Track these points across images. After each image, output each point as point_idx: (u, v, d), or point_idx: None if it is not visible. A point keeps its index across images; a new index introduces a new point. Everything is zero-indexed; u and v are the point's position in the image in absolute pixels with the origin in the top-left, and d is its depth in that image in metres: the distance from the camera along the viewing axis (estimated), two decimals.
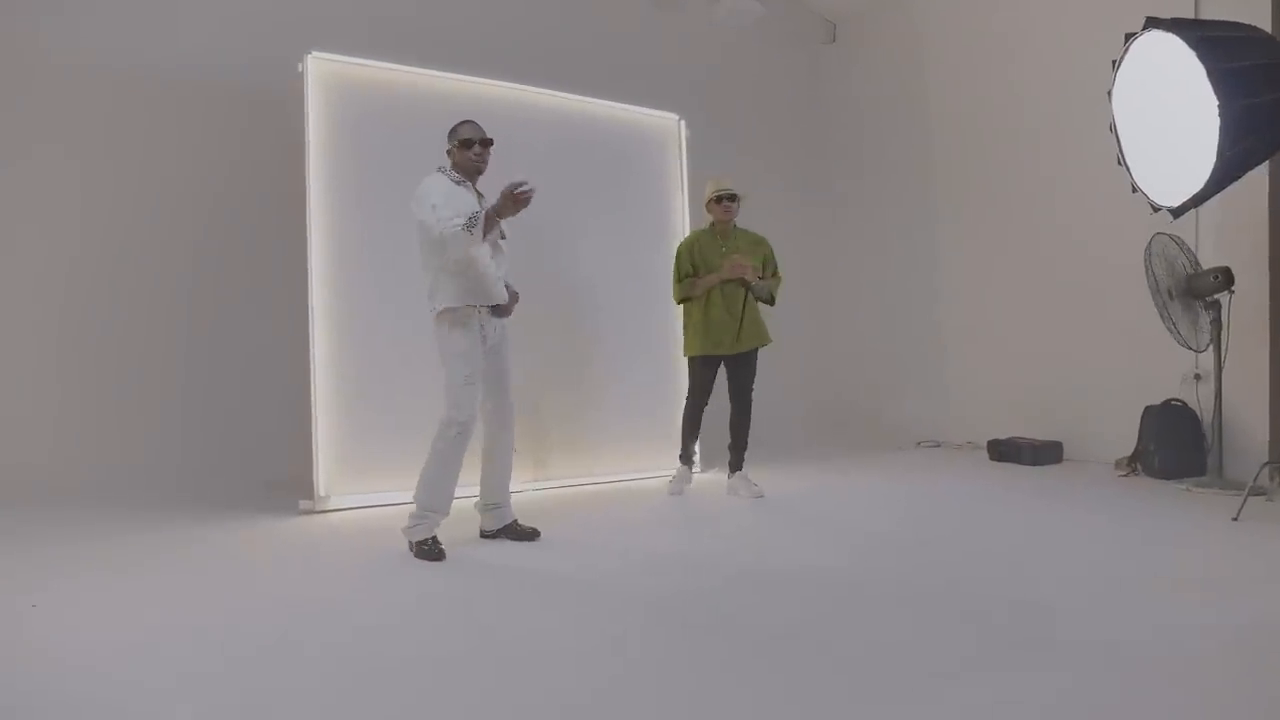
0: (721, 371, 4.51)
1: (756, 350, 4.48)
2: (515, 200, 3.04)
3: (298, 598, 2.69)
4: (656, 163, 5.30)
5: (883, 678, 1.91)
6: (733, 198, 4.45)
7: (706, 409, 4.55)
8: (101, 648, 2.20)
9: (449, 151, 3.38)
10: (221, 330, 5.06)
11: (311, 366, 4.15)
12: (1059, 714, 1.69)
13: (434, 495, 3.21)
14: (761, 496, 4.31)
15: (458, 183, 3.31)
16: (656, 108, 5.41)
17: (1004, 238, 6.01)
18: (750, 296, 4.41)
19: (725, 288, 4.37)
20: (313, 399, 4.13)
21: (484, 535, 3.50)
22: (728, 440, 4.52)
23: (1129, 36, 3.83)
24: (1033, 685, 1.84)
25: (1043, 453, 5.28)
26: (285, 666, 2.07)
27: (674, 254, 4.60)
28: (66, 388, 4.73)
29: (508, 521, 3.49)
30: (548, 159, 4.84)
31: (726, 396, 4.52)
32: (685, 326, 4.54)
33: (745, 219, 4.58)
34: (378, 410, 4.28)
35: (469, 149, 3.31)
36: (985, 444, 5.66)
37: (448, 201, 3.14)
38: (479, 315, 3.27)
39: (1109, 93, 4.03)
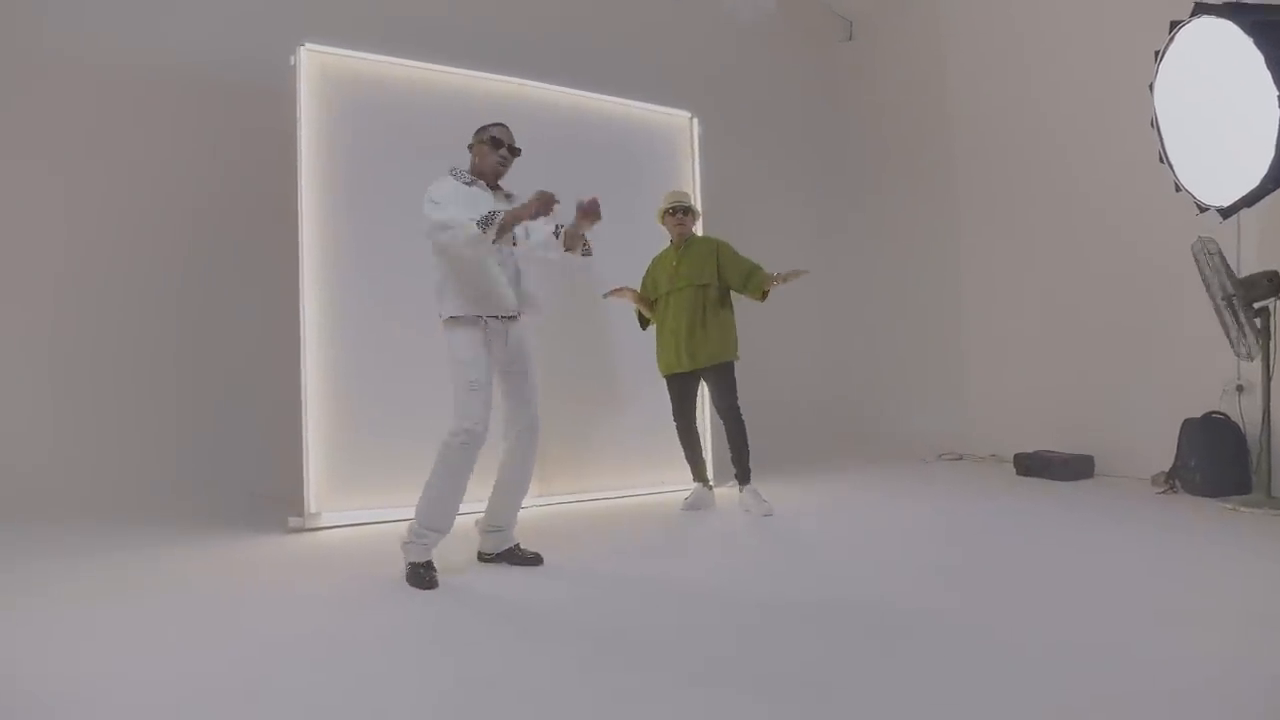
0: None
1: (727, 364, 4.27)
2: (546, 207, 2.84)
3: (271, 635, 2.45)
4: (668, 161, 5.08)
5: None
6: (686, 210, 4.33)
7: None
8: (65, 675, 1.99)
9: (471, 146, 3.17)
10: (212, 336, 4.87)
11: (302, 377, 3.94)
12: None
13: (435, 511, 2.96)
14: (770, 514, 4.07)
15: (468, 184, 3.09)
16: (669, 105, 5.19)
17: (1029, 241, 5.75)
18: (707, 311, 4.24)
19: (675, 303, 4.25)
20: (303, 411, 3.92)
21: (482, 559, 3.25)
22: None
23: (1174, 24, 3.59)
24: None
25: (1073, 467, 5.00)
26: (249, 713, 1.83)
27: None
28: (53, 397, 4.56)
29: (509, 545, 3.23)
30: (555, 157, 4.62)
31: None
32: None
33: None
34: (372, 423, 4.06)
35: (497, 149, 3.11)
36: (1011, 457, 5.40)
37: (454, 200, 2.95)
38: (485, 323, 3.03)
39: (1150, 86, 3.79)
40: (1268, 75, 3.04)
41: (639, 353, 4.63)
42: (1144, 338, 4.96)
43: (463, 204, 2.95)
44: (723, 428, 4.28)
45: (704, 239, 4.43)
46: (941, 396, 6.47)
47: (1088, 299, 5.34)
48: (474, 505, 3.15)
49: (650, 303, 4.42)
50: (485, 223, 2.80)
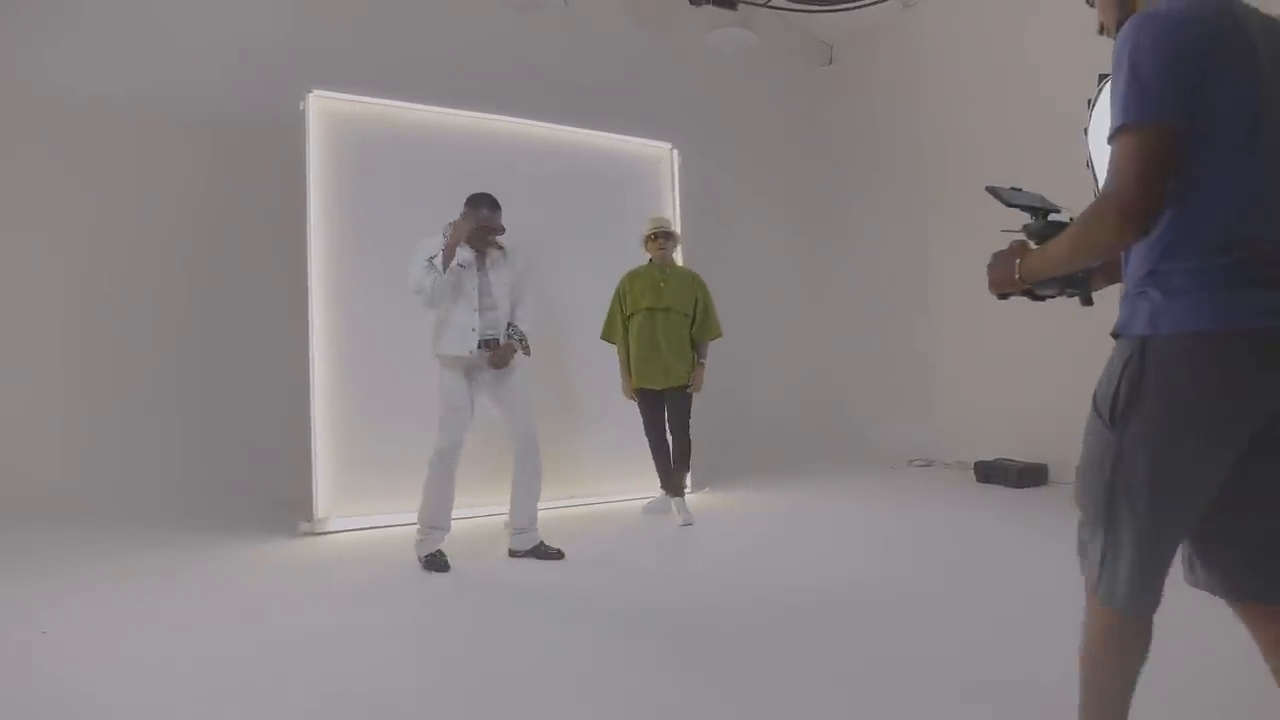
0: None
1: (685, 388, 4.61)
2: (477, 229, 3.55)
3: (290, 625, 2.86)
4: (650, 192, 5.44)
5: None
6: (668, 235, 4.65)
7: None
8: (96, 676, 2.38)
9: (465, 215, 3.64)
10: (225, 351, 5.26)
11: (311, 390, 4.33)
12: None
13: (426, 512, 3.56)
14: (690, 524, 4.41)
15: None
16: (654, 136, 5.56)
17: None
18: (684, 337, 4.58)
19: (660, 322, 4.54)
20: (312, 423, 4.31)
21: (512, 554, 3.76)
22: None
23: (1102, 77, 3.95)
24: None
25: (1027, 475, 5.37)
26: (269, 698, 2.23)
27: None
28: (72, 406, 4.95)
29: (534, 544, 3.74)
30: (541, 191, 5.01)
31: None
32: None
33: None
34: (377, 434, 4.45)
35: (481, 237, 3.62)
36: (973, 465, 5.76)
37: (429, 254, 3.50)
38: (461, 360, 3.58)
39: (1085, 130, 4.15)
40: None
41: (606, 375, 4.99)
42: (1094, 356, 5.28)
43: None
44: (673, 442, 4.65)
45: (686, 270, 4.76)
46: (913, 405, 6.84)
47: (1045, 317, 5.65)
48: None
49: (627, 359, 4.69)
50: (431, 260, 3.48)
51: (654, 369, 4.57)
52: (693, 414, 4.67)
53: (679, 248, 4.98)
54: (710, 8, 6.10)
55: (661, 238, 4.64)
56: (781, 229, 7.54)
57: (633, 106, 6.17)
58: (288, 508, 4.52)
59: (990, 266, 1.55)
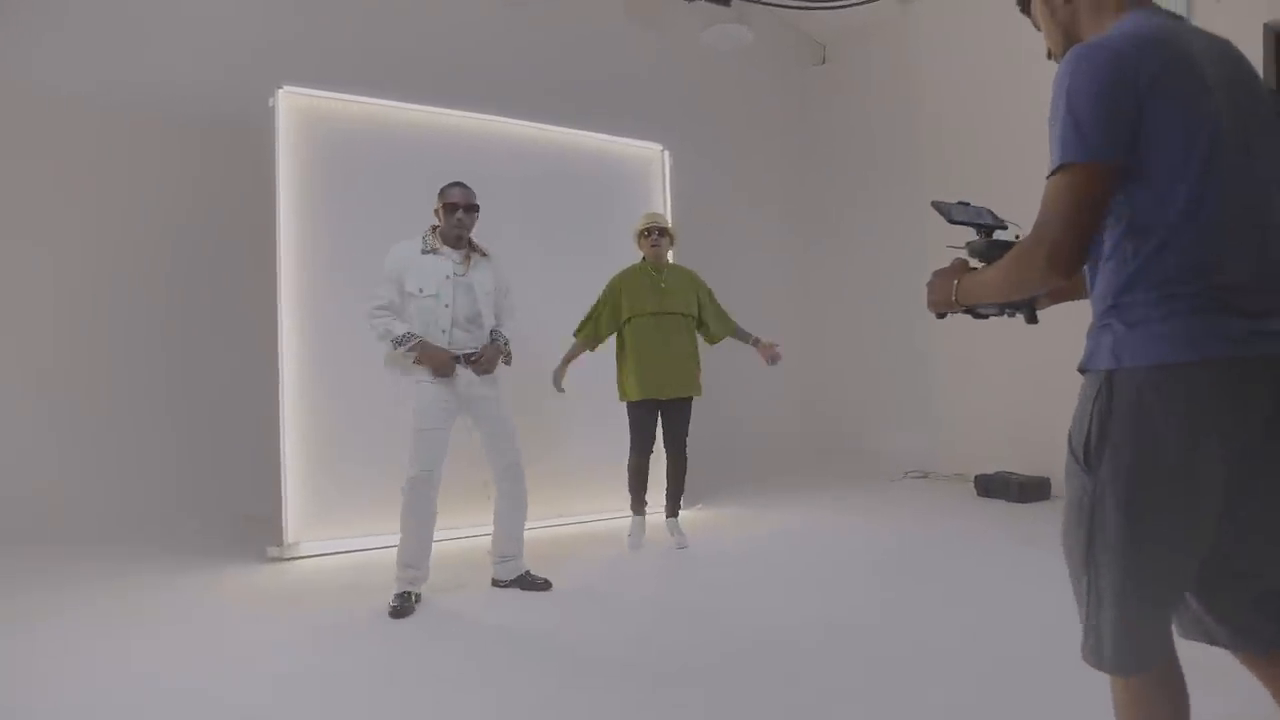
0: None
1: (690, 399, 4.32)
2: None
3: (250, 668, 2.61)
4: (640, 194, 5.21)
5: None
6: (662, 232, 4.32)
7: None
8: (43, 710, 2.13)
9: (436, 211, 3.36)
10: (190, 362, 4.96)
11: (280, 406, 4.07)
12: None
13: (402, 549, 3.25)
14: (685, 548, 4.17)
15: (427, 251, 3.30)
16: (645, 135, 5.34)
17: None
18: (690, 342, 4.30)
19: (663, 326, 4.21)
20: (282, 441, 4.06)
21: (495, 584, 3.49)
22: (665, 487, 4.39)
23: None
24: None
25: (1029, 490, 5.20)
26: None
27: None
28: (36, 425, 4.64)
29: (519, 574, 3.49)
30: (531, 190, 4.76)
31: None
32: (620, 369, 4.31)
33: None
34: (351, 454, 4.20)
35: (452, 214, 3.30)
36: (973, 478, 5.58)
37: (395, 277, 3.26)
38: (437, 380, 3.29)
39: None
40: None
41: (610, 377, 4.75)
42: None
43: (411, 277, 3.24)
44: (670, 459, 4.33)
45: (683, 268, 4.43)
46: (910, 416, 6.65)
47: (1047, 326, 5.50)
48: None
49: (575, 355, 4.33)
50: (400, 342, 3.20)
51: (667, 377, 4.19)
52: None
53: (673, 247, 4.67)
54: (704, 4, 5.86)
55: (655, 234, 4.29)
56: (775, 230, 7.34)
57: (623, 105, 5.93)
58: (256, 528, 4.26)
59: (929, 285, 1.50)
